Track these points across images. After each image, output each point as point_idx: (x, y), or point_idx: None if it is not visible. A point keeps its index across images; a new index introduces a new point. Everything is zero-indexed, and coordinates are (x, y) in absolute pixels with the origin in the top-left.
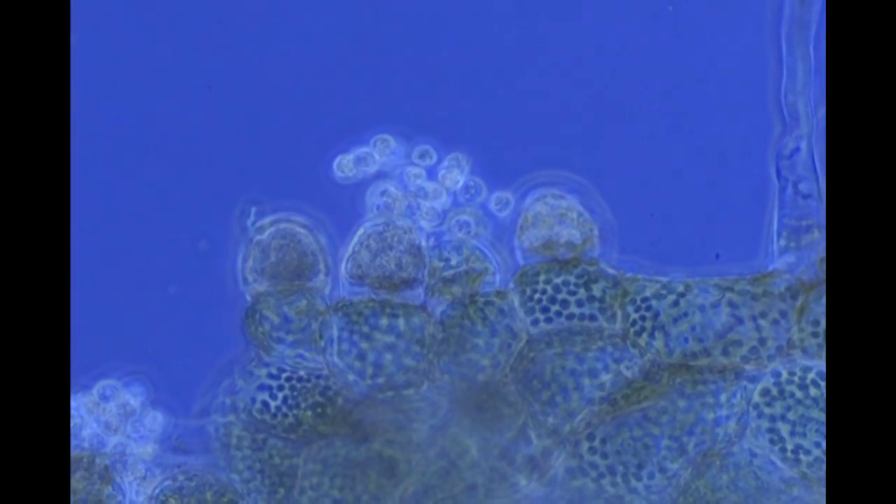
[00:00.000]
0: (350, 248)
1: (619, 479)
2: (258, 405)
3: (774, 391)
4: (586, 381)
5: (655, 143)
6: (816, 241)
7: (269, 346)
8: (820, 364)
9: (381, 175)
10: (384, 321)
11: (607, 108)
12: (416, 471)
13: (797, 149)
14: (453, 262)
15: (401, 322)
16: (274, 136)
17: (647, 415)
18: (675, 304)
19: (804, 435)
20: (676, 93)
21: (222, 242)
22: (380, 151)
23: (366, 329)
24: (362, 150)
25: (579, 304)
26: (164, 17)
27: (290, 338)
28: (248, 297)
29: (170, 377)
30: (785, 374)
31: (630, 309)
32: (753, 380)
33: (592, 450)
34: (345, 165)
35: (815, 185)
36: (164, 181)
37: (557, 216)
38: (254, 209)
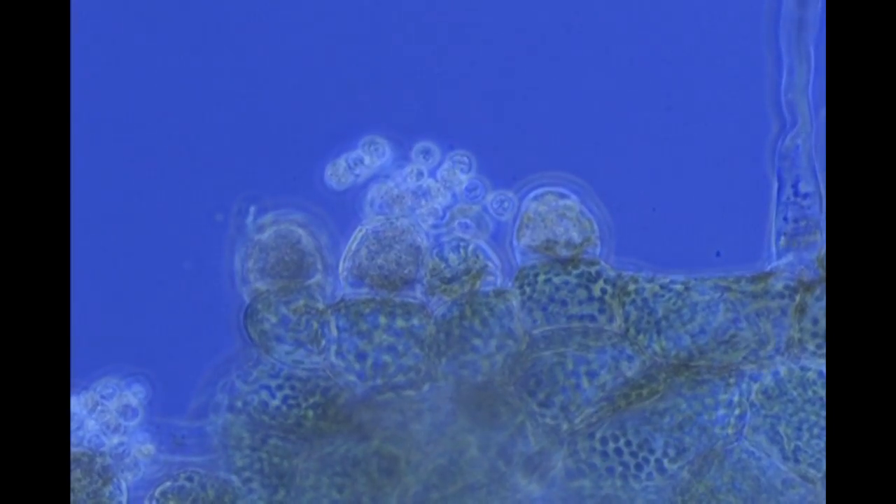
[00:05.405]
0: (349, 248)
1: (618, 480)
2: (257, 404)
3: (773, 391)
4: (585, 382)
5: (655, 143)
6: (815, 240)
7: (269, 345)
8: (819, 364)
9: (374, 178)
10: (384, 321)
11: (607, 107)
12: (416, 471)
13: (796, 148)
14: (453, 262)
15: (400, 322)
16: (269, 138)
17: (647, 415)
18: (675, 304)
19: (803, 435)
20: (676, 93)
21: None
22: (370, 154)
23: (365, 328)
24: (353, 153)
25: (579, 303)
26: (156, 24)
27: (289, 337)
28: (248, 297)
29: (169, 376)
30: (784, 374)
31: (630, 309)
32: (753, 379)
33: (592, 450)
34: (337, 171)
35: (814, 185)
36: (154, 184)
37: (557, 216)
38: (252, 208)
